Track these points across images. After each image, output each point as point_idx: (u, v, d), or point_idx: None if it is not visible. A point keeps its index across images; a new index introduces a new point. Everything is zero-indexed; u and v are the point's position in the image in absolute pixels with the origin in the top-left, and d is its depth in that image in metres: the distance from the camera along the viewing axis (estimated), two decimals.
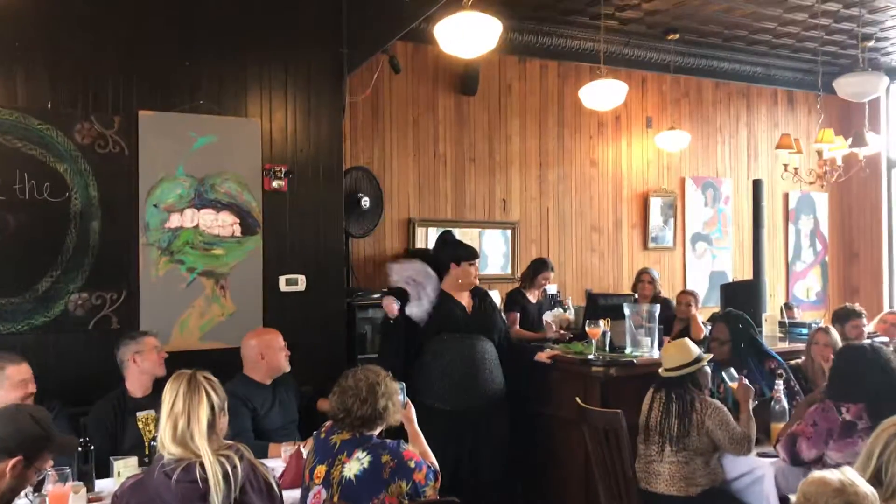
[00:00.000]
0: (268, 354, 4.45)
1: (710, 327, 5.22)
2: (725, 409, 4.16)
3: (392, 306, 4.74)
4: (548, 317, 6.09)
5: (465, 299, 4.96)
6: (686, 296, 6.80)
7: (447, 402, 4.72)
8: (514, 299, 6.56)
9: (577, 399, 4.54)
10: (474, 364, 4.79)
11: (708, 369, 4.26)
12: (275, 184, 5.22)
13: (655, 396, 4.25)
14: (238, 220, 5.15)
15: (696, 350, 4.25)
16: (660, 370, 4.28)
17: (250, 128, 5.18)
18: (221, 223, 5.09)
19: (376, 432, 3.16)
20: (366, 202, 6.51)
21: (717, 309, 6.74)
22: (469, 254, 4.96)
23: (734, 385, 4.40)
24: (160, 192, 4.97)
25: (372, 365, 3.25)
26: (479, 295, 5.02)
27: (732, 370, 4.53)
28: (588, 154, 8.26)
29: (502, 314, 5.32)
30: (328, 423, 3.24)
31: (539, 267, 6.65)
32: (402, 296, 4.83)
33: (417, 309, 4.76)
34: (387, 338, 4.89)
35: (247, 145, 5.20)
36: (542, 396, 5.25)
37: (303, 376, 4.82)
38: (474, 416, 4.77)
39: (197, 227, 5.07)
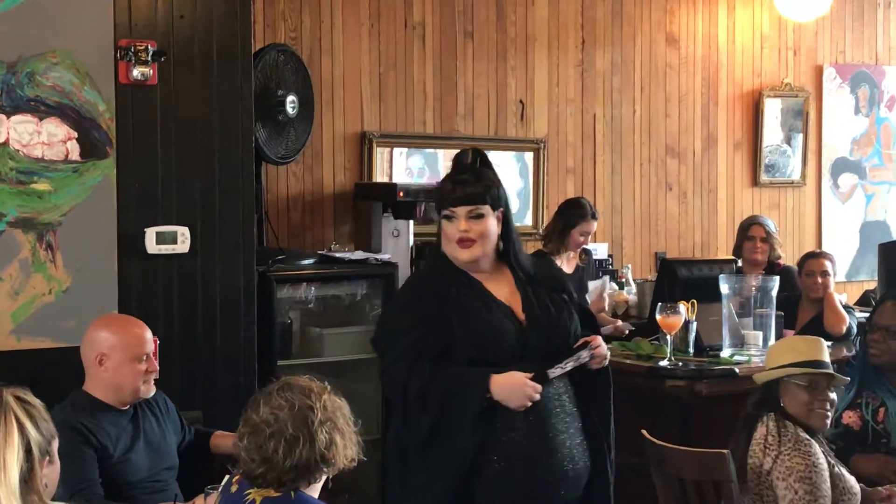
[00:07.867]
0: (111, 360, 3.72)
1: (860, 316, 5.25)
2: (818, 462, 3.51)
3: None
4: (594, 291, 5.64)
5: (503, 287, 3.27)
6: (819, 261, 5.83)
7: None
8: None
9: (644, 433, 3.96)
10: (545, 439, 3.14)
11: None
12: (136, 72, 4.59)
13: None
14: (75, 135, 4.51)
15: (822, 349, 3.72)
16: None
17: None
18: (47, 139, 4.45)
19: (318, 484, 2.70)
20: (292, 104, 5.51)
21: (872, 284, 6.70)
22: (451, 193, 3.16)
23: None
24: None
25: (296, 377, 2.77)
26: (528, 274, 3.29)
27: None
28: (662, 25, 7.17)
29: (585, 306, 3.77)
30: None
31: (572, 214, 5.69)
32: None
33: None
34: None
35: (89, 7, 4.50)
36: None
37: (187, 396, 4.34)
38: None
39: (6, 144, 4.38)
